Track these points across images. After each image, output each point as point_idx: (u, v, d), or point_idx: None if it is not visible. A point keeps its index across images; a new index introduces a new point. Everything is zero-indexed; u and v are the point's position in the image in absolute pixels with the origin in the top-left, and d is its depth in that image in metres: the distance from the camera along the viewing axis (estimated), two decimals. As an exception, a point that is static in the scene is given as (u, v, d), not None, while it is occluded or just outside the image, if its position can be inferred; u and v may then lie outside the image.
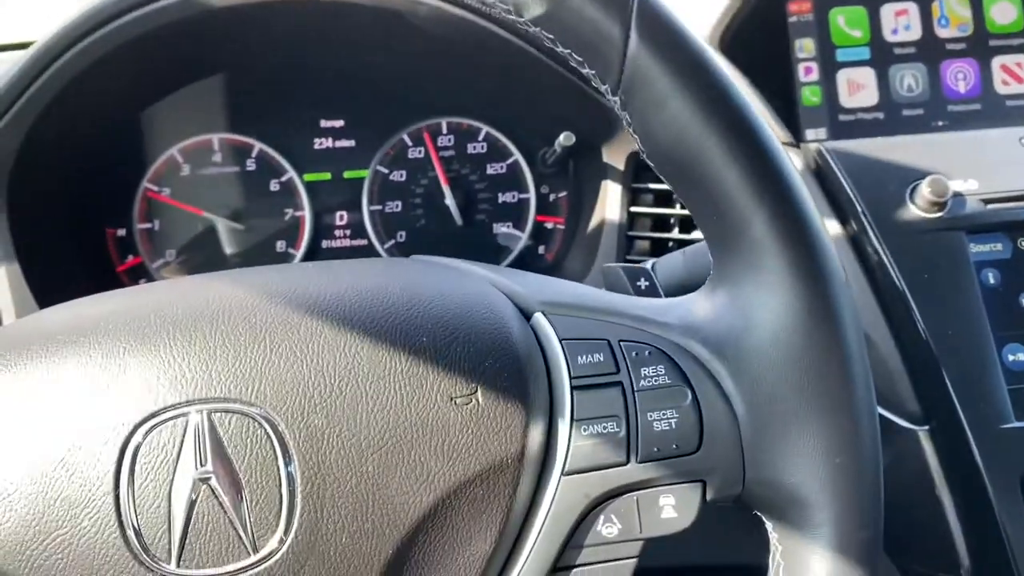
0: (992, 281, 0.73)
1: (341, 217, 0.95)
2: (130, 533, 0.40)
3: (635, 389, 0.44)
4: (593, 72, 0.42)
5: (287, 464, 0.41)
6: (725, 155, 0.41)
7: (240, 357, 0.43)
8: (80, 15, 0.76)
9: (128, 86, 0.86)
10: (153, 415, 0.41)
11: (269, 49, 0.88)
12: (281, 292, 0.46)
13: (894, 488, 0.73)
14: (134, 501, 0.40)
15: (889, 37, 0.98)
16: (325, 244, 0.95)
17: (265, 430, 0.41)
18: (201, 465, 0.41)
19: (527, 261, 0.96)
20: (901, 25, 0.98)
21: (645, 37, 0.40)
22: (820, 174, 0.79)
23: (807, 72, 0.98)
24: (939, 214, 0.74)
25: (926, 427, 0.72)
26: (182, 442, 0.41)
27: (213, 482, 0.41)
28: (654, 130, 0.42)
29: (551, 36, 0.42)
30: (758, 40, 0.94)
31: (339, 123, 0.95)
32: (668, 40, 0.41)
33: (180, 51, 0.83)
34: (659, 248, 0.86)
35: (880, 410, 0.73)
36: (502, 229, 0.96)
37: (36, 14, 1.08)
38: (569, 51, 0.42)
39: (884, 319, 0.74)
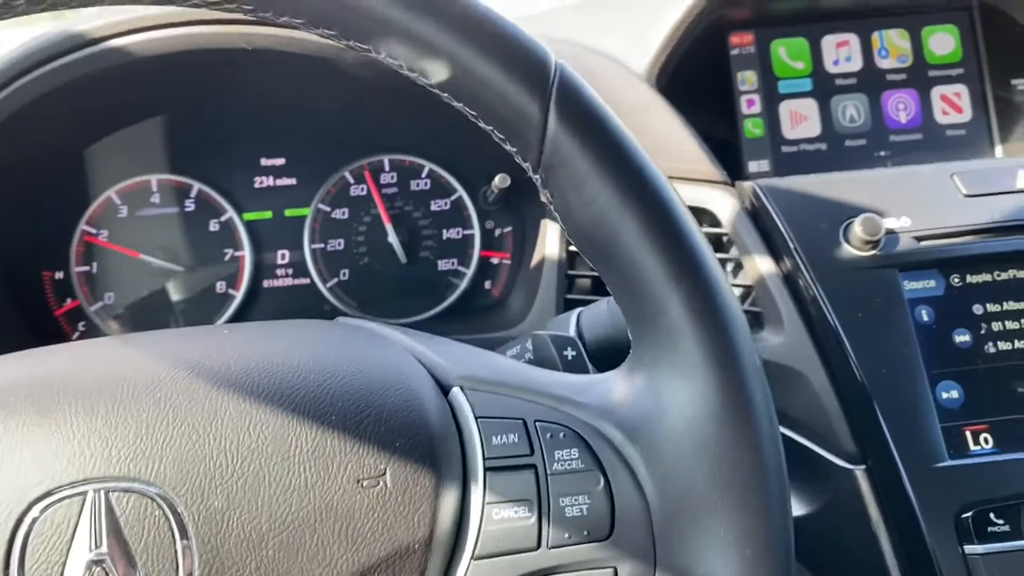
0: (926, 318, 0.74)
1: (283, 256, 0.94)
2: None
3: (548, 473, 0.44)
4: (515, 149, 0.42)
5: (185, 546, 0.40)
6: (641, 238, 0.41)
7: (141, 434, 0.42)
8: (9, 59, 0.75)
9: (63, 128, 0.85)
10: (49, 493, 0.40)
11: (207, 90, 0.87)
12: (190, 363, 0.45)
13: (832, 527, 0.74)
14: None
15: (831, 68, 0.99)
16: (267, 284, 0.94)
17: (164, 510, 0.40)
18: (96, 546, 0.40)
19: (473, 297, 0.96)
20: (842, 56, 0.99)
21: (564, 118, 0.40)
22: (755, 213, 0.79)
23: (749, 104, 0.98)
24: (872, 252, 0.74)
25: (862, 466, 0.72)
26: (77, 521, 0.40)
27: (108, 564, 0.40)
28: (573, 210, 0.42)
29: (472, 112, 0.42)
30: (700, 73, 0.95)
31: (280, 161, 0.94)
32: (587, 122, 0.41)
33: (116, 94, 0.82)
34: (599, 286, 0.86)
35: (817, 449, 0.74)
36: (447, 266, 0.95)
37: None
38: (491, 128, 0.42)
39: (819, 358, 0.74)
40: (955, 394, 0.72)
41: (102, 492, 0.40)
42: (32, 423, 0.42)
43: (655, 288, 0.42)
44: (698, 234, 0.43)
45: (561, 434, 0.44)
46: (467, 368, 0.48)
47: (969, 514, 0.68)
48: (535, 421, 0.45)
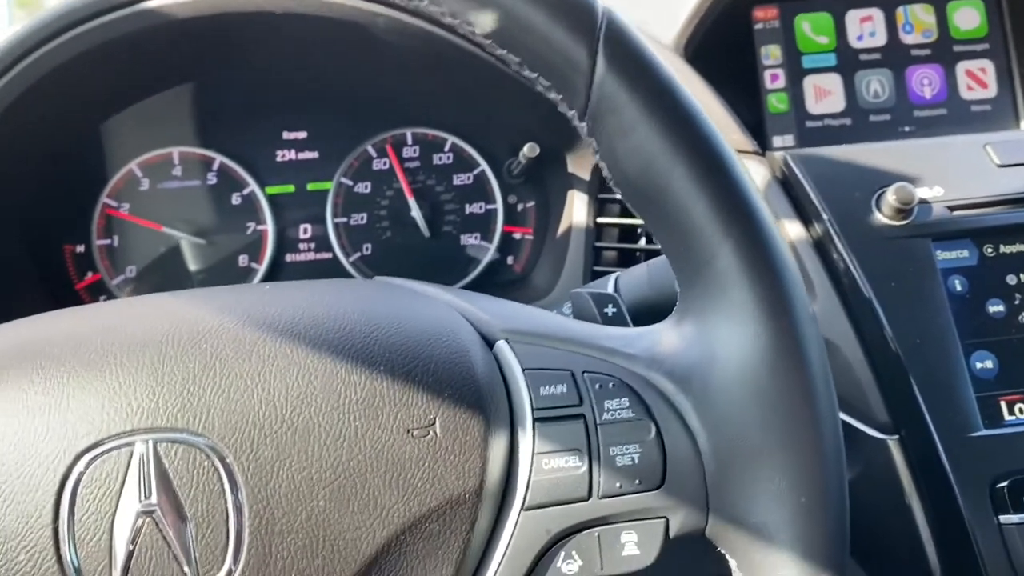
0: (959, 288, 0.73)
1: (305, 230, 0.93)
2: (68, 569, 0.38)
3: (598, 423, 0.43)
4: (560, 97, 0.42)
5: (235, 497, 0.40)
6: (692, 185, 0.41)
7: (188, 386, 0.41)
8: (36, 23, 0.74)
9: (86, 98, 0.84)
10: (96, 444, 0.40)
11: (231, 61, 0.86)
12: (234, 316, 0.44)
13: (865, 497, 0.73)
14: (74, 535, 0.39)
15: (855, 43, 0.98)
16: (289, 258, 0.93)
17: (212, 462, 0.40)
18: (145, 497, 0.39)
19: (495, 272, 0.95)
20: (866, 31, 0.99)
21: (612, 64, 0.40)
22: (786, 182, 0.79)
23: (773, 79, 0.98)
24: (905, 221, 0.74)
25: (895, 436, 0.71)
26: (126, 473, 0.40)
27: (157, 515, 0.39)
28: (621, 158, 0.42)
29: (517, 59, 0.41)
30: (724, 47, 0.94)
31: (302, 135, 0.94)
32: (635, 67, 0.40)
33: (136, 63, 0.81)
34: (626, 258, 0.85)
35: (849, 420, 0.73)
36: (470, 240, 0.95)
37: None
38: (536, 75, 0.41)
39: (851, 328, 0.73)
40: (989, 364, 0.71)
41: (150, 443, 0.40)
42: (78, 374, 0.41)
43: (705, 235, 0.41)
44: (749, 181, 0.42)
45: (610, 384, 0.44)
46: (511, 322, 0.47)
47: (1004, 484, 0.67)
48: (583, 372, 0.44)
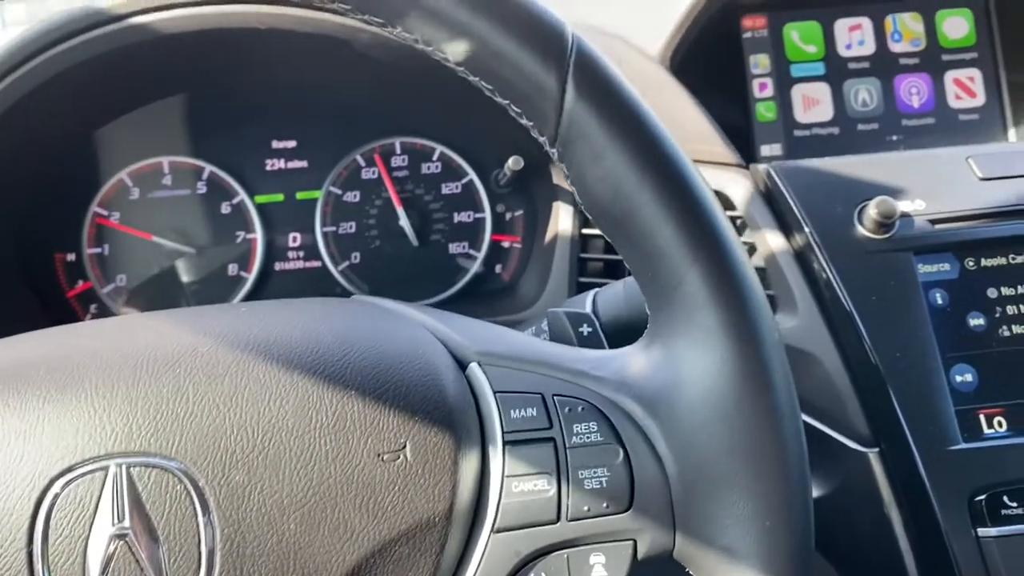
0: (940, 301, 0.74)
1: (294, 239, 0.94)
2: None
3: (567, 446, 0.44)
4: (531, 124, 0.42)
5: (207, 520, 0.40)
6: (659, 210, 0.41)
7: (161, 410, 0.42)
8: (29, 35, 0.75)
9: (78, 108, 0.84)
10: (70, 468, 0.40)
11: (220, 72, 0.87)
12: (208, 339, 0.45)
13: (845, 509, 0.74)
14: (47, 558, 0.39)
15: (843, 52, 0.99)
16: (278, 266, 0.94)
17: (185, 485, 0.41)
18: (119, 520, 0.40)
19: (483, 281, 0.96)
20: (855, 40, 0.99)
21: (581, 91, 0.40)
22: (769, 195, 0.79)
23: (762, 88, 0.98)
24: (887, 235, 0.74)
25: (876, 449, 0.72)
26: (99, 497, 0.40)
27: (130, 538, 0.40)
28: (590, 183, 0.42)
29: (489, 86, 0.41)
30: (712, 56, 0.94)
31: (291, 144, 0.94)
32: (604, 94, 0.41)
33: (127, 75, 0.82)
34: (611, 269, 0.86)
35: (830, 432, 0.74)
36: (458, 249, 0.95)
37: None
38: (507, 102, 0.42)
39: (833, 341, 0.74)
40: (969, 377, 0.72)
41: (124, 467, 0.40)
42: (52, 398, 0.42)
43: (673, 261, 0.42)
44: (717, 207, 0.42)
45: (580, 408, 0.44)
46: (484, 344, 0.48)
47: (983, 497, 0.68)
48: (553, 395, 0.45)
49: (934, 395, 0.71)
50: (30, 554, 0.39)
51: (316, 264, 0.94)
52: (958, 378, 0.72)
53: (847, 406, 0.73)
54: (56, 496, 0.40)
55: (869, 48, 0.99)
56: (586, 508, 0.43)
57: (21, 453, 0.41)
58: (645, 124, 0.41)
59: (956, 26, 0.99)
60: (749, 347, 0.42)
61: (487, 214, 0.95)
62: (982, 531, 0.68)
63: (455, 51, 0.41)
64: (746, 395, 0.41)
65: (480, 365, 0.46)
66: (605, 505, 0.43)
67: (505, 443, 0.43)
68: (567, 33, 0.41)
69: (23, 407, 0.42)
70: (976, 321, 0.73)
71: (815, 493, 0.74)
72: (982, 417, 0.71)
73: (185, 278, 0.92)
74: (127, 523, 0.40)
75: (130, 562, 0.40)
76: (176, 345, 0.45)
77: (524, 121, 0.42)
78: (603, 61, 0.42)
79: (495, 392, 0.45)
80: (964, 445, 0.70)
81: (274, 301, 0.53)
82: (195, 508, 0.40)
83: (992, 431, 0.70)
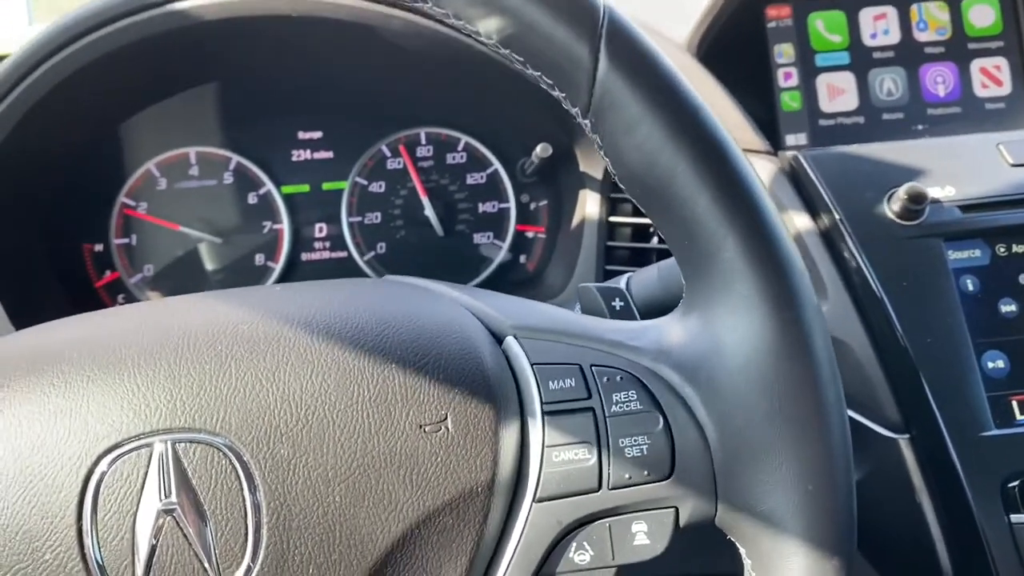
0: (971, 288, 0.73)
1: (320, 229, 0.94)
2: (93, 566, 0.39)
3: (607, 415, 0.44)
4: (563, 95, 0.42)
5: (252, 495, 0.41)
6: (696, 179, 0.41)
7: (205, 386, 0.42)
8: (58, 26, 0.75)
9: (105, 99, 0.85)
10: (117, 445, 0.41)
11: (247, 62, 0.87)
12: (247, 317, 0.45)
13: (876, 496, 0.73)
14: (97, 534, 0.40)
15: (868, 41, 0.98)
16: (304, 257, 0.94)
17: (230, 460, 0.41)
18: (165, 496, 0.40)
19: (508, 271, 0.96)
20: (880, 29, 0.99)
21: (614, 60, 0.40)
22: (798, 181, 0.79)
23: (787, 77, 0.98)
24: (917, 221, 0.74)
25: (906, 435, 0.72)
26: (146, 473, 0.40)
27: (178, 513, 0.40)
28: (625, 153, 0.42)
29: (520, 59, 0.41)
30: (737, 46, 0.94)
31: (317, 135, 0.95)
32: (638, 63, 0.41)
33: (158, 64, 0.83)
34: (638, 258, 0.86)
35: (860, 419, 0.73)
36: (483, 239, 0.95)
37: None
38: (539, 74, 0.42)
39: (863, 327, 0.73)
40: (1001, 364, 0.71)
41: (169, 443, 0.41)
42: (96, 377, 0.42)
43: (710, 228, 0.41)
44: (753, 174, 0.42)
45: (618, 377, 0.44)
46: (519, 318, 0.48)
47: (1015, 483, 0.67)
48: (591, 365, 0.45)
49: (966, 381, 0.70)
50: (80, 530, 0.40)
51: (342, 254, 0.94)
52: (990, 364, 0.71)
53: (878, 392, 0.73)
54: (103, 473, 0.40)
55: (894, 37, 0.98)
56: (627, 476, 0.43)
57: (67, 431, 0.41)
58: (680, 92, 0.41)
59: (982, 14, 0.98)
60: (788, 313, 0.41)
61: (512, 204, 0.95)
62: (1015, 518, 0.67)
63: (487, 25, 0.41)
64: (786, 360, 0.41)
65: (516, 338, 0.46)
66: (646, 473, 0.43)
67: (544, 414, 0.44)
68: (598, 2, 0.41)
69: (67, 386, 0.42)
70: (1008, 307, 0.73)
71: (846, 479, 0.74)
72: (1014, 403, 0.70)
73: (212, 268, 0.92)
74: (174, 499, 0.40)
75: (178, 537, 0.40)
76: (216, 323, 0.45)
77: (556, 93, 0.42)
78: (636, 30, 0.41)
79: (532, 364, 0.45)
80: (996, 431, 0.69)
81: (309, 282, 0.53)
82: (241, 482, 0.41)
83: (1024, 417, 0.70)
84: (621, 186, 0.44)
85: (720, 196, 0.41)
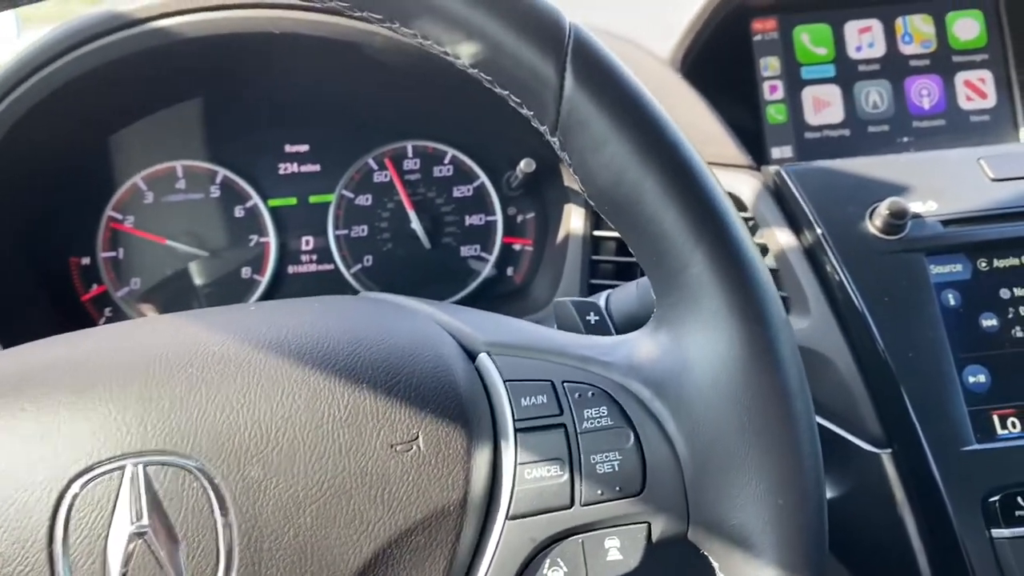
0: (952, 302, 0.73)
1: (307, 242, 0.94)
2: None
3: (578, 431, 0.44)
4: (532, 113, 0.42)
5: (224, 516, 0.41)
6: (663, 196, 0.41)
7: (176, 408, 0.42)
8: (46, 42, 0.76)
9: (92, 113, 0.85)
10: (88, 469, 0.41)
11: (232, 77, 0.87)
12: (219, 338, 0.45)
13: (858, 510, 0.74)
14: (68, 558, 0.40)
15: (853, 54, 0.99)
16: (291, 270, 0.94)
17: (201, 483, 0.41)
18: (137, 519, 0.40)
19: (495, 284, 0.96)
20: (865, 42, 0.99)
21: (580, 79, 0.40)
22: (780, 196, 0.79)
23: (772, 90, 0.98)
24: (899, 236, 0.74)
25: (888, 450, 0.72)
26: (117, 496, 0.40)
27: (149, 536, 0.40)
28: (593, 171, 0.42)
29: (488, 78, 0.42)
30: (723, 59, 0.94)
31: (304, 148, 0.95)
32: (603, 81, 0.41)
33: (144, 80, 0.83)
34: (622, 271, 0.86)
35: (843, 433, 0.74)
36: (470, 252, 0.96)
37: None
38: (507, 92, 0.42)
39: (845, 341, 0.74)
40: (982, 378, 0.71)
41: (140, 466, 0.41)
42: (68, 401, 0.42)
43: (677, 244, 0.42)
44: (719, 190, 0.42)
45: (589, 393, 0.45)
46: (493, 334, 0.48)
47: (996, 498, 0.68)
48: (563, 382, 0.45)
49: (947, 396, 0.71)
50: (51, 554, 0.40)
51: (329, 267, 0.94)
52: (971, 379, 0.72)
53: (860, 407, 0.73)
54: (75, 496, 0.40)
55: (879, 50, 0.99)
56: (599, 492, 0.43)
57: (39, 455, 0.41)
58: (646, 109, 0.41)
59: (967, 27, 0.99)
60: (756, 326, 0.42)
61: (498, 217, 0.95)
62: (996, 532, 0.68)
63: (454, 45, 0.41)
64: (754, 374, 0.42)
65: (489, 355, 0.46)
66: (618, 489, 0.43)
67: (517, 431, 0.44)
68: (564, 21, 0.41)
69: (39, 410, 0.42)
70: (989, 322, 0.73)
71: (828, 494, 0.74)
72: (995, 418, 0.70)
73: (199, 281, 0.92)
74: (146, 521, 0.40)
75: (149, 560, 0.40)
76: (188, 345, 0.45)
77: (524, 111, 0.42)
78: (601, 48, 0.42)
79: (505, 381, 0.45)
80: (977, 446, 0.69)
81: (283, 300, 0.53)
82: (212, 505, 0.41)
83: (1006, 432, 0.70)
84: (591, 203, 0.44)
85: (686, 212, 0.41)
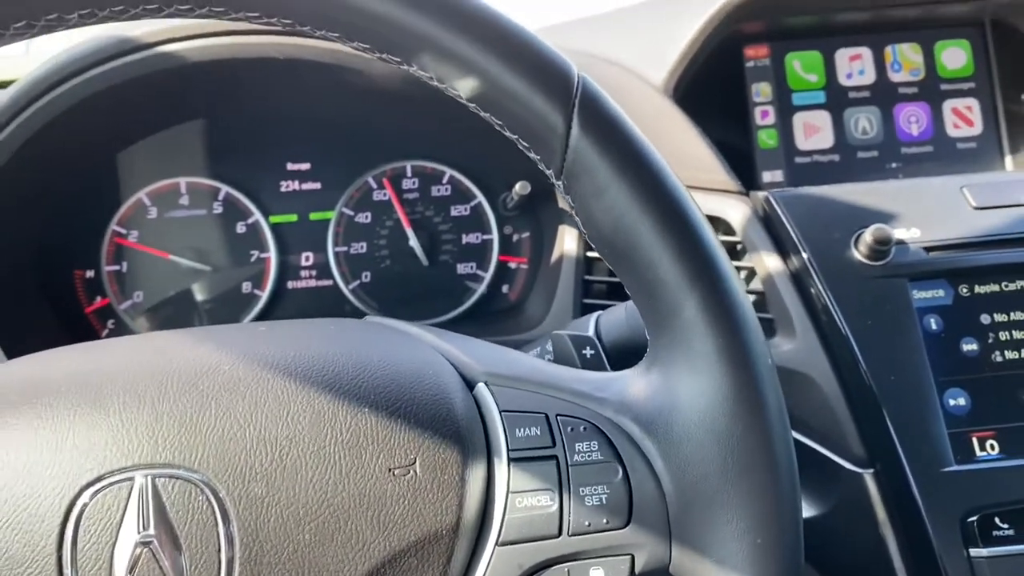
0: (934, 327, 0.76)
1: (307, 258, 0.96)
2: None
3: (569, 463, 0.46)
4: (538, 157, 0.44)
5: (227, 529, 0.42)
6: (659, 242, 0.43)
7: (185, 423, 0.44)
8: (54, 64, 0.78)
9: (100, 132, 0.87)
10: (99, 478, 0.43)
11: (237, 97, 0.89)
12: (230, 356, 0.47)
13: (840, 530, 0.76)
14: (76, 563, 0.41)
15: (844, 81, 1.01)
16: (291, 285, 0.96)
17: (206, 496, 0.43)
18: (144, 529, 0.42)
19: (491, 300, 0.98)
20: (855, 70, 1.01)
21: (586, 128, 0.42)
22: (768, 221, 0.81)
23: (764, 115, 1.01)
24: (882, 261, 0.76)
25: (871, 470, 0.74)
26: (126, 506, 0.42)
27: (154, 545, 0.42)
28: (594, 215, 0.44)
29: (499, 122, 0.44)
30: (715, 84, 0.97)
31: (305, 166, 0.97)
32: (607, 131, 0.43)
33: (150, 101, 0.85)
34: (615, 291, 0.88)
35: (826, 453, 0.76)
36: (466, 269, 0.98)
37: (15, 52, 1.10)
38: (516, 136, 0.44)
39: (829, 364, 0.76)
40: (962, 401, 0.74)
41: (149, 478, 0.43)
42: (82, 412, 0.44)
43: (671, 289, 0.44)
44: (713, 239, 0.45)
45: (582, 427, 0.46)
46: (492, 365, 0.50)
47: (975, 518, 0.70)
48: (556, 415, 0.47)
49: (928, 418, 0.73)
50: (59, 559, 0.41)
51: (328, 283, 0.96)
52: (951, 401, 0.74)
53: (843, 428, 0.75)
54: (85, 505, 0.42)
55: (869, 77, 1.01)
56: (587, 523, 0.45)
57: (53, 463, 0.43)
58: (646, 160, 0.44)
59: (954, 57, 1.01)
60: (743, 373, 0.44)
61: (495, 236, 0.98)
62: (974, 551, 0.69)
63: (467, 88, 0.43)
64: (739, 418, 0.44)
65: (487, 385, 0.48)
66: (605, 521, 0.45)
67: (510, 460, 0.46)
68: (573, 73, 0.43)
69: (54, 419, 0.44)
70: (969, 346, 0.75)
71: (811, 512, 0.76)
72: (975, 440, 0.73)
73: (200, 295, 0.94)
74: (152, 531, 0.42)
75: (153, 568, 0.42)
76: (199, 362, 0.47)
77: (532, 155, 0.45)
78: (607, 100, 0.44)
79: (501, 411, 0.47)
80: (957, 467, 0.71)
81: (291, 321, 0.55)
82: (216, 518, 0.42)
83: (984, 454, 0.72)
84: (591, 245, 0.46)
85: (681, 260, 0.43)
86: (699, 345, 0.44)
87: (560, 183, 0.44)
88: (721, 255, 0.45)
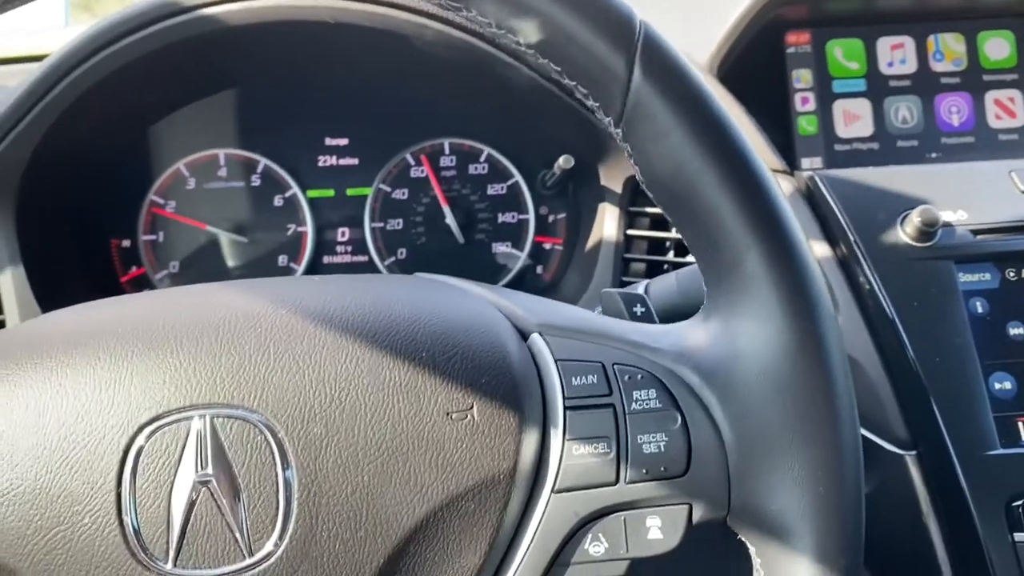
0: (980, 310, 0.75)
1: (343, 233, 0.96)
2: (129, 532, 0.41)
3: (626, 412, 0.45)
4: (597, 104, 0.44)
5: (285, 470, 0.42)
6: (721, 189, 0.43)
7: (244, 364, 0.44)
8: (94, 31, 0.78)
9: (138, 101, 0.87)
10: (157, 417, 0.43)
11: (277, 67, 0.90)
12: (286, 303, 0.47)
13: (881, 512, 0.74)
14: (135, 500, 0.41)
15: (885, 70, 1.00)
16: (326, 259, 0.96)
17: (265, 436, 0.43)
18: (202, 468, 0.42)
19: (525, 280, 0.98)
20: (897, 59, 1.01)
21: (648, 73, 0.42)
22: (813, 201, 0.81)
23: (804, 102, 1.00)
24: (929, 243, 0.76)
25: (913, 452, 0.73)
26: (184, 445, 0.42)
27: (213, 485, 0.42)
28: (653, 162, 0.44)
29: (558, 68, 0.43)
30: (756, 70, 0.96)
31: (343, 141, 0.97)
32: (671, 76, 0.43)
33: (189, 68, 0.85)
34: (654, 270, 0.87)
35: (868, 435, 0.75)
36: (501, 248, 0.97)
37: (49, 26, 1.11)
38: (575, 83, 0.43)
39: (873, 345, 0.75)
40: (1008, 385, 0.73)
41: (207, 417, 0.43)
42: (141, 352, 0.44)
43: (733, 237, 0.43)
44: (776, 187, 0.44)
45: (639, 376, 0.46)
46: (545, 316, 0.50)
47: (1020, 502, 0.69)
48: (613, 364, 0.46)
49: (973, 401, 0.72)
50: (118, 496, 0.41)
51: (363, 258, 0.96)
52: (997, 385, 0.73)
53: (886, 410, 0.74)
54: (144, 444, 0.42)
55: (911, 67, 1.00)
56: (644, 472, 0.45)
57: (111, 402, 0.43)
58: (708, 106, 0.43)
59: (998, 47, 1.00)
60: (806, 322, 0.43)
61: (531, 215, 0.97)
62: (1018, 536, 0.68)
63: (527, 33, 0.42)
64: (802, 368, 0.43)
65: (542, 335, 0.48)
66: (663, 469, 0.45)
67: (566, 408, 0.45)
68: (635, 18, 0.43)
69: (113, 359, 0.44)
70: (1016, 330, 0.74)
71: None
72: (1020, 424, 0.72)
73: (235, 266, 0.94)
74: (210, 471, 0.42)
75: (212, 507, 0.42)
76: (255, 309, 0.47)
77: (590, 102, 0.44)
78: (670, 46, 0.43)
79: (556, 360, 0.47)
80: (1002, 451, 0.70)
81: (342, 275, 0.55)
82: (274, 458, 0.42)
83: (1031, 438, 0.71)
84: (648, 193, 0.45)
85: (744, 207, 0.43)
86: (761, 295, 0.43)
87: (619, 131, 0.44)
88: (784, 204, 0.44)
